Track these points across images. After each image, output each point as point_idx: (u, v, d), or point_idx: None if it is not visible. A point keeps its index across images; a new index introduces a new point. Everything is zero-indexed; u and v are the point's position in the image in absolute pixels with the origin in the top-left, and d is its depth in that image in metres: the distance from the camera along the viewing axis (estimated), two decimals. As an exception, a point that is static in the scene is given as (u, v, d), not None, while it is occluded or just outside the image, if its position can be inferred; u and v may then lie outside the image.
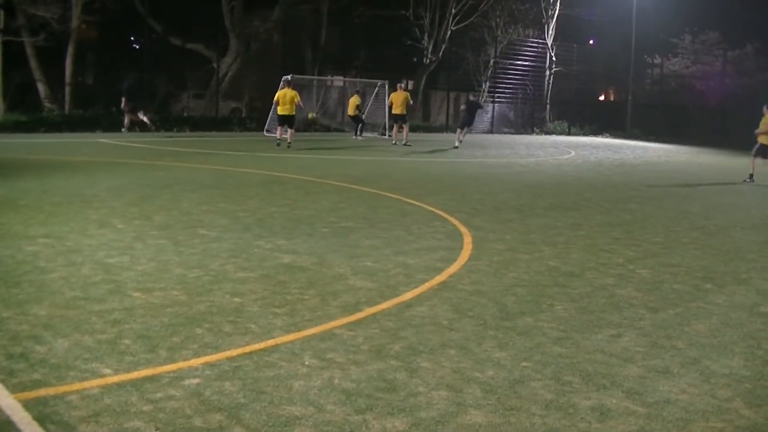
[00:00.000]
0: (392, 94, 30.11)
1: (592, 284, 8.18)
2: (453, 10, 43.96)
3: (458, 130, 30.35)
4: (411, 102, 30.80)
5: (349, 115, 33.52)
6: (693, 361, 5.85)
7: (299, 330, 6.13)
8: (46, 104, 31.71)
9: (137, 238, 9.47)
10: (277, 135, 25.89)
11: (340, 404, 4.76)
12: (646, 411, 4.88)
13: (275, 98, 25.74)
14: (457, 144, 28.99)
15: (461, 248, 9.75)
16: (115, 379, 4.97)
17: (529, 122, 47.47)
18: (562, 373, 5.47)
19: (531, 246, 10.15)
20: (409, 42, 44.11)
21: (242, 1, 38.14)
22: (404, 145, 28.79)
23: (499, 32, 45.78)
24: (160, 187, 14.17)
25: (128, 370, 5.12)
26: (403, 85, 31.68)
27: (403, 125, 29.85)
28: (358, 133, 32.59)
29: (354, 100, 32.55)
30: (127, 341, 5.69)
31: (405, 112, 29.80)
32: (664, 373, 5.58)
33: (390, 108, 30.45)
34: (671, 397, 5.12)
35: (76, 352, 5.43)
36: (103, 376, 5.01)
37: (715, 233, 11.95)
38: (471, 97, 36.34)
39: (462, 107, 32.38)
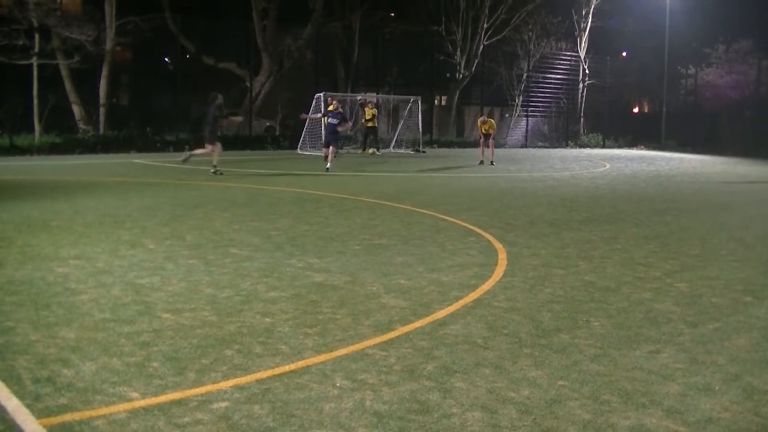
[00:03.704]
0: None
1: (629, 299, 8.01)
2: (485, 25, 43.89)
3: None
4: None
5: (369, 127, 33.44)
6: (734, 378, 5.67)
7: (330, 350, 6.03)
8: (81, 126, 31.96)
9: (168, 258, 9.42)
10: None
11: (371, 427, 4.64)
12: (687, 430, 4.73)
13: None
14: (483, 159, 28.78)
15: (496, 264, 9.61)
16: (143, 403, 4.89)
17: (563, 135, 47.20)
18: (599, 391, 5.32)
19: (566, 261, 9.99)
20: (442, 57, 44.05)
21: (274, 19, 38.32)
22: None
23: (531, 46, 45.61)
24: (192, 206, 14.15)
25: (156, 394, 5.04)
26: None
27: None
28: (376, 146, 33.12)
29: (373, 111, 32.86)
30: (155, 364, 5.62)
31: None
32: (705, 390, 5.41)
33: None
34: (713, 416, 4.96)
35: (104, 375, 5.36)
36: (130, 400, 4.93)
37: (753, 245, 11.72)
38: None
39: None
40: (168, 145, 31.26)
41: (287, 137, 35.10)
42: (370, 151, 32.65)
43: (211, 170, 21.24)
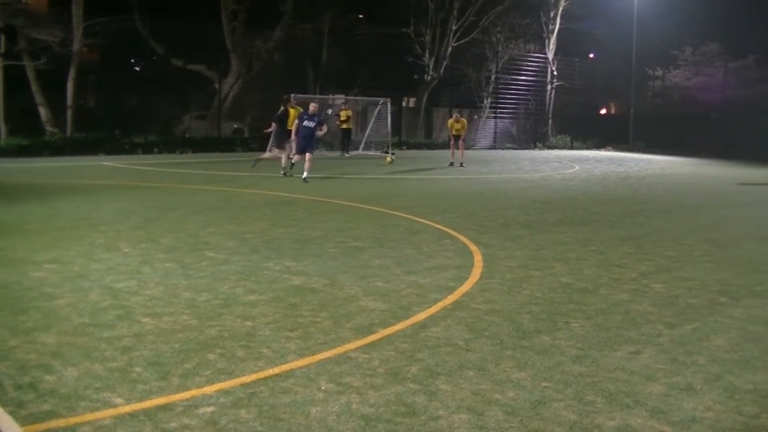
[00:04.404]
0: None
1: (607, 300, 8.06)
2: (454, 27, 43.99)
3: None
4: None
5: (344, 129, 33.19)
6: (716, 378, 5.73)
7: (313, 354, 6.02)
8: (48, 128, 31.68)
9: (144, 261, 9.36)
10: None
11: (359, 430, 4.65)
12: (672, 430, 4.77)
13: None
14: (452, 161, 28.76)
15: (472, 266, 9.63)
16: (128, 408, 4.86)
17: (532, 137, 47.39)
18: (583, 392, 5.35)
19: (542, 263, 10.03)
20: (411, 59, 44.08)
21: (243, 21, 38.18)
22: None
23: (499, 48, 45.77)
24: (165, 209, 14.07)
25: (141, 399, 5.01)
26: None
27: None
28: (347, 149, 32.78)
29: (348, 113, 32.79)
30: (138, 369, 5.58)
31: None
32: (688, 390, 5.46)
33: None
34: (697, 415, 5.00)
35: (87, 381, 5.32)
36: (115, 405, 4.90)
37: (726, 246, 11.83)
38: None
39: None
40: (137, 147, 31.06)
41: (256, 139, 34.91)
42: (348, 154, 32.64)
43: (281, 172, 21.92)
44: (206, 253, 9.96)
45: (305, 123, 20.96)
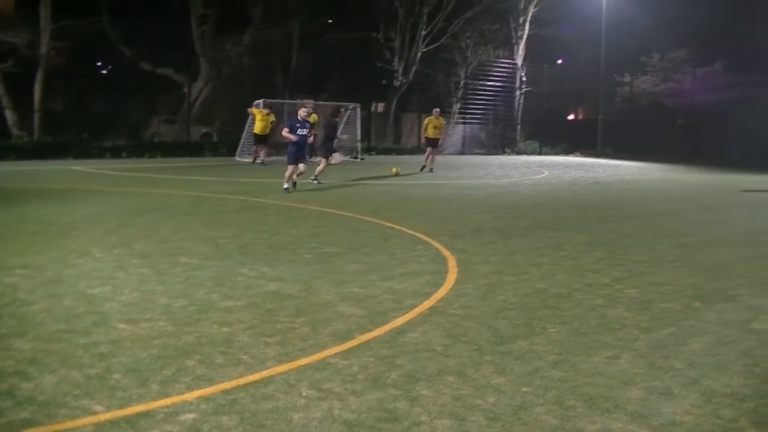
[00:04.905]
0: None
1: (582, 305, 8.11)
2: (423, 32, 44.09)
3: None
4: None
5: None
6: (693, 382, 5.78)
7: (293, 360, 6.00)
8: (15, 131, 31.38)
9: (118, 267, 9.29)
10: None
11: (342, 437, 4.65)
12: (652, 436, 4.81)
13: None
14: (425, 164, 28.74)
15: (447, 272, 9.65)
16: (108, 416, 4.82)
17: (501, 142, 47.59)
18: (564, 397, 5.38)
19: (516, 268, 10.07)
20: (380, 64, 44.07)
21: (213, 25, 38.06)
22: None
23: (469, 53, 45.92)
24: (137, 214, 13.98)
25: (121, 407, 4.97)
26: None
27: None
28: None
29: (316, 117, 29.98)
30: (116, 376, 5.54)
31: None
32: (666, 394, 5.50)
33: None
34: (676, 419, 5.05)
35: (65, 388, 5.27)
36: (95, 413, 4.86)
37: (697, 250, 11.94)
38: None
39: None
40: (105, 151, 30.85)
41: (225, 144, 34.80)
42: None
43: (312, 179, 20.92)
44: (180, 259, 9.90)
45: (298, 131, 19.18)
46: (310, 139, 19.89)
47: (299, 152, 19.17)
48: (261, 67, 41.09)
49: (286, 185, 19.07)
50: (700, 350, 6.59)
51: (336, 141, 21.75)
